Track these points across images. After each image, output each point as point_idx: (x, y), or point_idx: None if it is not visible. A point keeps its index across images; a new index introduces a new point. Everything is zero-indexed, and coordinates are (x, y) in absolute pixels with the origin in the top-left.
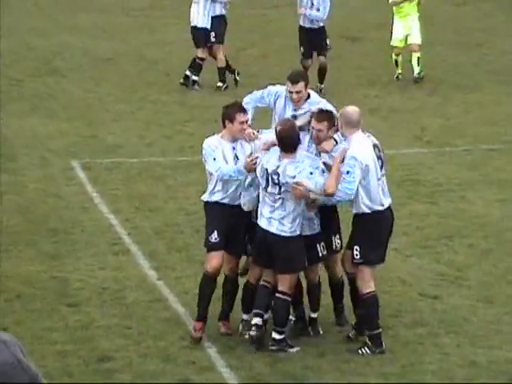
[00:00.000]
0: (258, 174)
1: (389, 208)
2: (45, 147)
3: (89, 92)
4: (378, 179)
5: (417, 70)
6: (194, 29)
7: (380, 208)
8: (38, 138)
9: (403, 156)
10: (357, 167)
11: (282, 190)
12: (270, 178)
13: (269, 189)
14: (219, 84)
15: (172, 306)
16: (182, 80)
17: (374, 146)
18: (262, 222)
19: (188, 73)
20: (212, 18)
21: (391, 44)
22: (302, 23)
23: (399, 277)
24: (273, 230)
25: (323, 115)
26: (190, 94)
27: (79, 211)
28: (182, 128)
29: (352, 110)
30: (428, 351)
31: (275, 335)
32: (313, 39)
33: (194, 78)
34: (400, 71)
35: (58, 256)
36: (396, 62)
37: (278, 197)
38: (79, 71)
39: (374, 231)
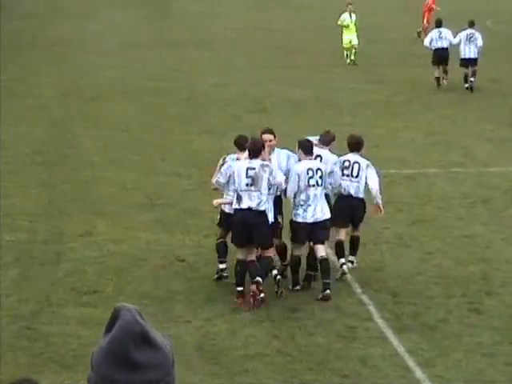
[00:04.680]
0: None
1: None
2: None
3: (287, 124)
4: None
5: (353, 57)
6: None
7: None
8: None
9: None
10: None
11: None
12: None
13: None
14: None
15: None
16: (467, 85)
17: None
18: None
19: (472, 79)
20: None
21: (343, 46)
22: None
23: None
24: None
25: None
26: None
27: None
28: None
29: None
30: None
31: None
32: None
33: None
34: (349, 60)
35: None
36: (347, 55)
37: None
38: (279, 109)
39: None
